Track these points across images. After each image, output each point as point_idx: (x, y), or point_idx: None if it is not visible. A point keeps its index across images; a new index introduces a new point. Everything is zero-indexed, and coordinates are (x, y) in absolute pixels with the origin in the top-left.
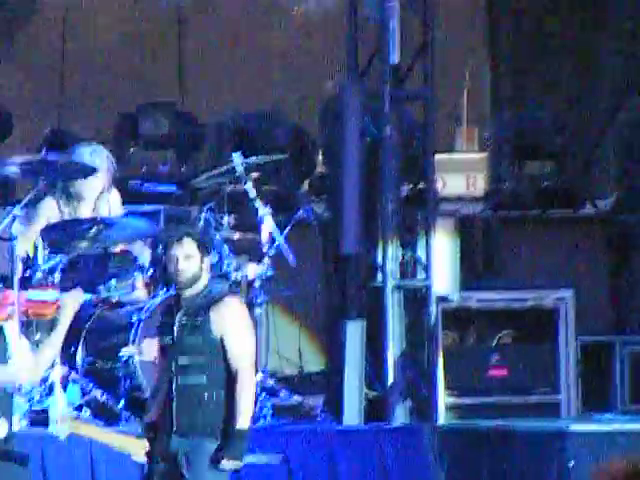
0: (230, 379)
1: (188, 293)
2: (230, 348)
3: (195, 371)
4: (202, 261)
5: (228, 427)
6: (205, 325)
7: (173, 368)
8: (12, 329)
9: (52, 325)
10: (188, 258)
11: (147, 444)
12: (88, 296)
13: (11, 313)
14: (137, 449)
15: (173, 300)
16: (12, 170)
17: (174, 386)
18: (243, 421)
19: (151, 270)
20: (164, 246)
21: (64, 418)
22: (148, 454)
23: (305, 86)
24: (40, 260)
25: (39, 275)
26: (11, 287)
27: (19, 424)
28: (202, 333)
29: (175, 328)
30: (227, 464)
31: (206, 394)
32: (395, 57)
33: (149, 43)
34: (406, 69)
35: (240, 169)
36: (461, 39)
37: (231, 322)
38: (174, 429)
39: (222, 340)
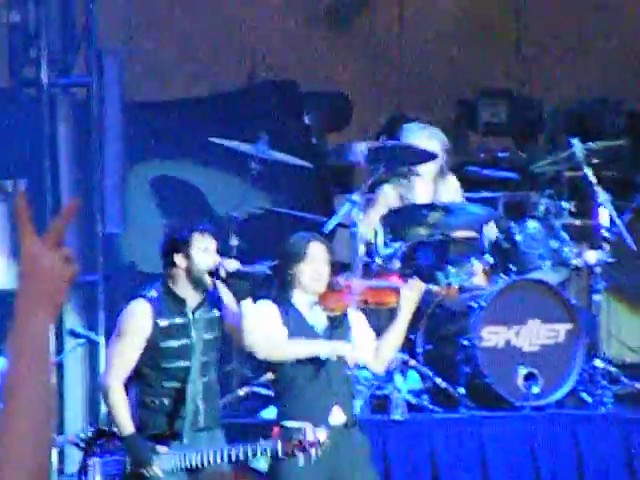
0: None
1: None
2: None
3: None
4: None
5: None
6: None
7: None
8: (356, 317)
9: (392, 314)
10: None
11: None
12: (429, 286)
13: (355, 301)
14: None
15: None
16: (357, 157)
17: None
18: None
19: (489, 257)
20: None
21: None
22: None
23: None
24: (380, 247)
25: (379, 262)
26: (353, 274)
27: (360, 410)
28: None
29: None
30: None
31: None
32: None
33: (486, 27)
34: None
35: (580, 155)
36: None
37: None
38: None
39: None
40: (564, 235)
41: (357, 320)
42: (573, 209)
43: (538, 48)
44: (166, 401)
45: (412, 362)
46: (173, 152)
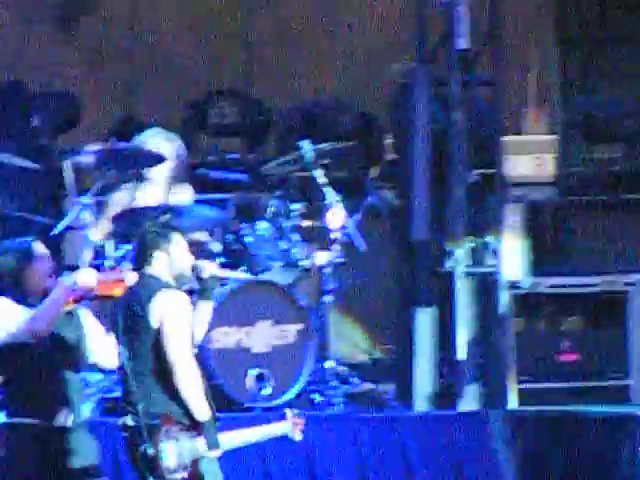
0: None
1: None
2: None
3: None
4: None
5: None
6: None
7: None
8: (87, 314)
9: None
10: None
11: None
12: None
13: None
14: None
15: None
16: (85, 159)
17: None
18: None
19: (221, 258)
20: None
21: None
22: None
23: (373, 72)
24: (110, 249)
25: (109, 263)
26: None
27: (90, 413)
28: None
29: None
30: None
31: None
32: (464, 42)
33: (217, 29)
34: (474, 54)
35: (309, 156)
36: (529, 23)
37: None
38: None
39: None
40: (294, 236)
41: (86, 316)
42: (303, 210)
43: (268, 48)
44: None
45: None
46: None
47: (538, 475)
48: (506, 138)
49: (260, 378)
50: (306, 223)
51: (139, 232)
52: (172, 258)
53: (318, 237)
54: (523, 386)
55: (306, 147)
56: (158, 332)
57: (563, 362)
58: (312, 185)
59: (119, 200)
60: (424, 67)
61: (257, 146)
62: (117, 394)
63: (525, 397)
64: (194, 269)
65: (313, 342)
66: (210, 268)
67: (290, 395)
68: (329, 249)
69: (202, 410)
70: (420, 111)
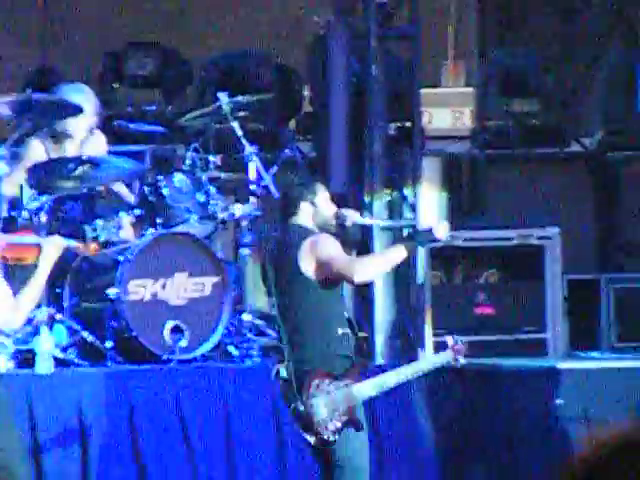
0: None
1: None
2: None
3: None
4: None
5: None
6: None
7: None
8: None
9: (34, 270)
10: None
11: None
12: (71, 242)
13: None
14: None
15: None
16: (2, 110)
17: None
18: None
19: (138, 210)
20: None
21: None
22: None
23: (291, 24)
24: (26, 201)
25: (25, 215)
26: None
27: (5, 365)
28: None
29: None
30: None
31: None
32: None
33: None
34: (392, 7)
35: (226, 108)
36: None
37: None
38: None
39: None
40: (211, 188)
41: None
42: (221, 162)
43: (185, 2)
44: None
45: (59, 316)
46: None
47: (454, 430)
48: (424, 91)
49: (176, 330)
50: (223, 175)
51: (285, 185)
52: (317, 209)
53: (235, 189)
54: (439, 339)
55: (224, 99)
56: (309, 278)
57: (479, 315)
58: (230, 137)
59: (34, 151)
60: (342, 19)
61: (175, 98)
62: (31, 345)
63: (441, 351)
64: (338, 217)
65: (230, 295)
66: (353, 217)
67: (207, 347)
68: (246, 201)
69: None
70: (338, 64)
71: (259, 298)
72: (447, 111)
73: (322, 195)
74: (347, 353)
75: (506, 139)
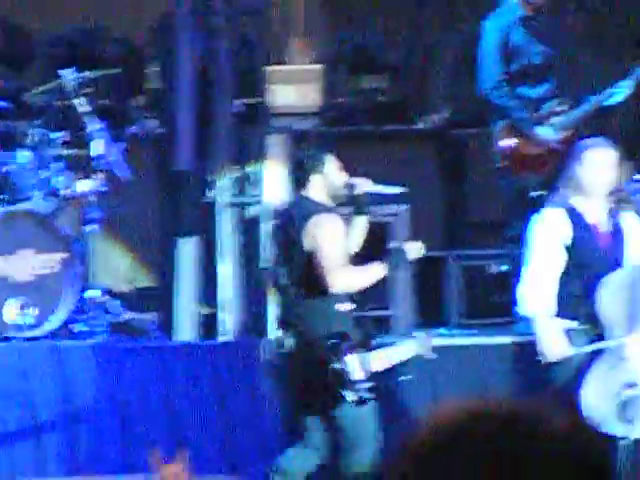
0: None
1: None
2: None
3: None
4: None
5: None
6: None
7: None
8: None
9: None
10: None
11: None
12: None
13: None
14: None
15: None
16: None
17: None
18: None
19: None
20: None
21: None
22: None
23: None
24: None
25: None
26: None
27: None
28: None
29: None
30: None
31: None
32: None
33: None
34: None
35: (71, 85)
36: None
37: None
38: None
39: None
40: (56, 165)
41: None
42: (66, 139)
43: None
44: None
45: None
46: None
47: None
48: (270, 68)
49: (23, 307)
50: (69, 152)
51: (294, 157)
52: (327, 179)
53: (81, 166)
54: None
55: (68, 75)
56: (311, 253)
57: None
58: (74, 114)
59: None
60: None
61: (19, 74)
62: None
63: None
64: (349, 186)
65: (76, 271)
66: (364, 185)
67: (53, 324)
68: (92, 178)
69: None
70: (184, 40)
71: (106, 275)
72: (293, 88)
73: (332, 165)
74: (346, 330)
75: (354, 115)
